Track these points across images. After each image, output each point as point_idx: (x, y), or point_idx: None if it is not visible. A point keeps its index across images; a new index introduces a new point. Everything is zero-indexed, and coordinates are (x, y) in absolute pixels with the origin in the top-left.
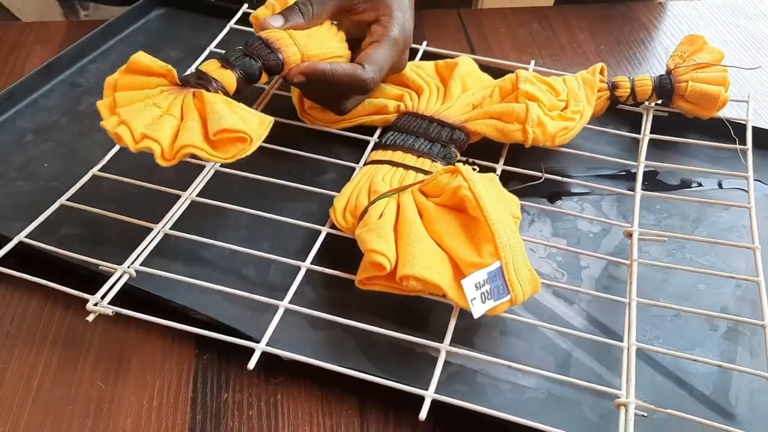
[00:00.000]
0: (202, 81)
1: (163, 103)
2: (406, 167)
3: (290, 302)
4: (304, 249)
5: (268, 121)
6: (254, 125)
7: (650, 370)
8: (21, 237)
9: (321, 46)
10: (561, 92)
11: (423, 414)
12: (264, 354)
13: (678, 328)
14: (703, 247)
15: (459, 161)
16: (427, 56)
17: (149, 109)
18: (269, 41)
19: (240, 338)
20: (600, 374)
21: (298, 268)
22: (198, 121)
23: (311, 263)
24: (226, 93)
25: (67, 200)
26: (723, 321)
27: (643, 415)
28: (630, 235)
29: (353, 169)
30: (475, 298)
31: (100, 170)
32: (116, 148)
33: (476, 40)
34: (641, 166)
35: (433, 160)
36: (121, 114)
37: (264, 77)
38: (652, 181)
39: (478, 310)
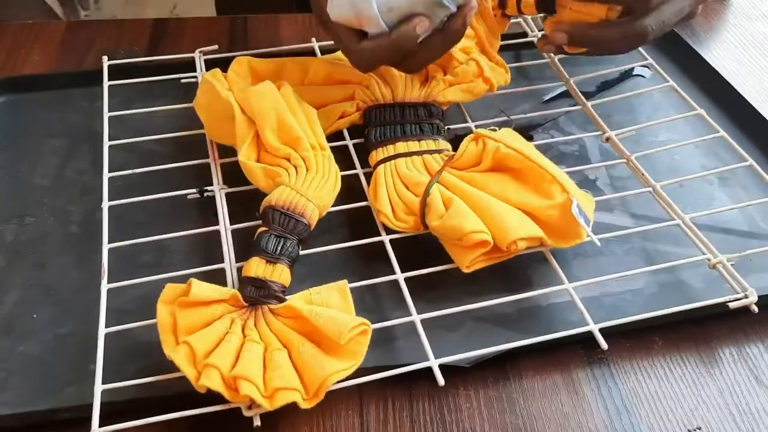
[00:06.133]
0: (263, 290)
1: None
2: (419, 153)
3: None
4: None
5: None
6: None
7: None
8: None
9: (325, 195)
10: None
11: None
12: None
13: None
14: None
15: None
16: None
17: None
18: (287, 209)
19: None
20: None
21: (397, 282)
22: (284, 351)
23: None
24: (283, 289)
25: None
26: None
27: None
28: (608, 139)
29: (357, 176)
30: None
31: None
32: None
33: None
34: (571, 81)
35: (434, 139)
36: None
37: None
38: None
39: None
